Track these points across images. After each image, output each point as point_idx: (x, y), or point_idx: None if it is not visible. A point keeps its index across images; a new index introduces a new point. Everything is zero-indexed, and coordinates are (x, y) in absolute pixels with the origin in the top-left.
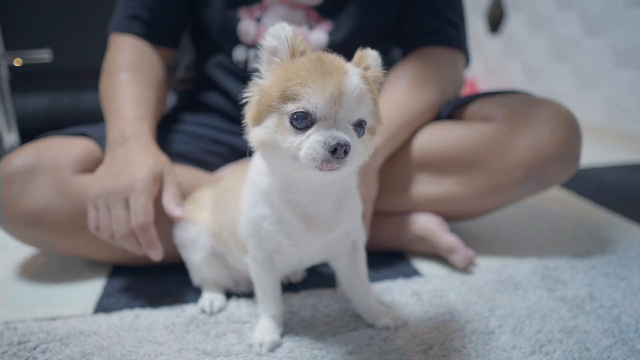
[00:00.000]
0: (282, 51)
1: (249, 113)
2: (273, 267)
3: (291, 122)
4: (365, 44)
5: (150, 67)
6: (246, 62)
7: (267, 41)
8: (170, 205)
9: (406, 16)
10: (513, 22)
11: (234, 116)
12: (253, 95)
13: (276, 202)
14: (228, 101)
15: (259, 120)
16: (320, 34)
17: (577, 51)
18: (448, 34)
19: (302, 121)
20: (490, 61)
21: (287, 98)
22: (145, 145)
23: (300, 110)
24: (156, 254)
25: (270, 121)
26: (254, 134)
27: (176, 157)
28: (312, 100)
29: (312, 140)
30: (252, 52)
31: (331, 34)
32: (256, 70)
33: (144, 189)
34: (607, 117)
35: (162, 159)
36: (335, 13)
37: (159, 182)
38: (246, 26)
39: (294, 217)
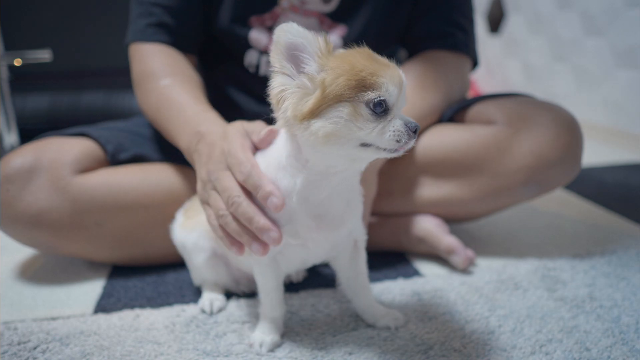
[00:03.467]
0: (313, 46)
1: (301, 107)
2: (277, 268)
3: (372, 110)
4: (376, 47)
5: (188, 71)
6: (257, 66)
7: (286, 37)
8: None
9: (415, 18)
10: (513, 22)
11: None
12: (301, 89)
13: (293, 201)
14: (231, 108)
15: (315, 113)
16: (334, 39)
17: (577, 51)
18: (456, 38)
19: (381, 108)
20: (490, 61)
21: (364, 87)
22: (221, 123)
23: (382, 98)
24: (274, 234)
25: (341, 110)
26: (318, 126)
27: (182, 159)
28: (389, 88)
29: (397, 124)
30: (264, 58)
31: (345, 38)
32: (271, 67)
33: (236, 146)
34: (607, 117)
35: (240, 122)
36: (349, 18)
37: (247, 137)
38: (257, 35)
39: (306, 215)
